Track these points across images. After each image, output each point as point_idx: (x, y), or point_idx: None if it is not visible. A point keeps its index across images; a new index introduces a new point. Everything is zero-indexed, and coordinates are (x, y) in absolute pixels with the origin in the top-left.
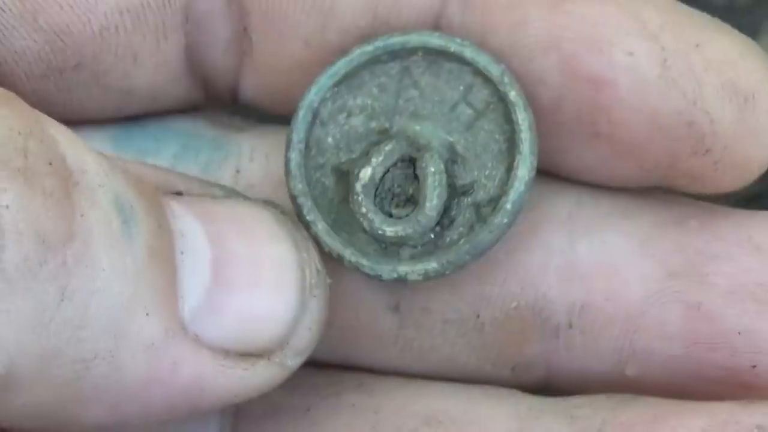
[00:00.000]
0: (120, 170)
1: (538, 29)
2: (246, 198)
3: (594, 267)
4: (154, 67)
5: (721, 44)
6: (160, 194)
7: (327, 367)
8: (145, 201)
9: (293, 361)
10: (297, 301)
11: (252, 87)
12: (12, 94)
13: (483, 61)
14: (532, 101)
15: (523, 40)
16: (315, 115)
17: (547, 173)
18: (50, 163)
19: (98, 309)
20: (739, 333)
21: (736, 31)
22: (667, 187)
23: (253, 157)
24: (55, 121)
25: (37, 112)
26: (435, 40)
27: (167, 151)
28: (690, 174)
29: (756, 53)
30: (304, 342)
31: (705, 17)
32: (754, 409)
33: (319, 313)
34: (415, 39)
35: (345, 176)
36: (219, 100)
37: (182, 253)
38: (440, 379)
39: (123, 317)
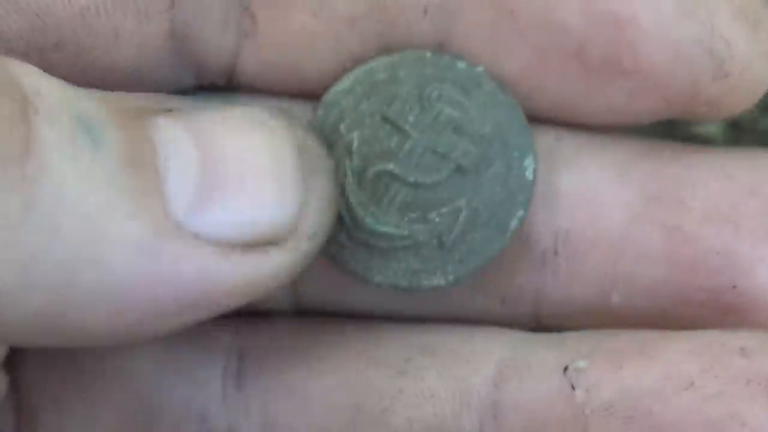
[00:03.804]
0: (89, 94)
1: None
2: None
3: (575, 195)
4: (136, 46)
5: None
6: (143, 113)
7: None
8: (119, 116)
9: (308, 245)
10: (298, 183)
11: (254, 66)
12: None
13: None
14: (555, 49)
15: None
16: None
17: (565, 121)
18: (4, 89)
19: (69, 216)
20: (717, 253)
21: None
22: (683, 119)
23: None
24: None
25: None
26: None
27: None
28: (710, 101)
29: None
30: (314, 223)
31: None
32: (738, 333)
33: (325, 193)
34: None
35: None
36: (212, 82)
37: (166, 159)
38: (434, 314)
39: (99, 222)
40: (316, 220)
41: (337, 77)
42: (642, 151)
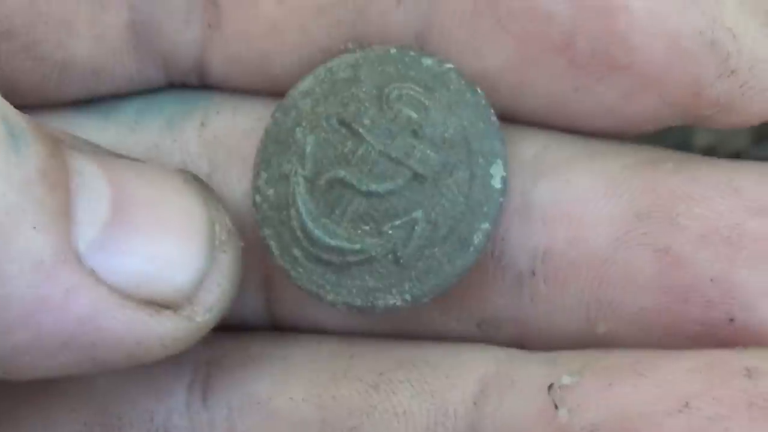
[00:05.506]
0: (10, 105)
1: None
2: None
3: (556, 208)
4: (93, 38)
5: None
6: (60, 140)
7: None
8: (38, 132)
9: (203, 318)
10: (205, 252)
11: (222, 60)
12: None
13: None
14: (540, 40)
15: None
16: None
17: (556, 125)
18: None
19: None
20: (712, 281)
21: None
22: (691, 124)
23: (220, 110)
24: None
25: None
26: None
27: (130, 105)
28: (716, 102)
29: None
30: (213, 297)
31: None
32: (743, 353)
33: (230, 270)
34: None
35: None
36: (183, 80)
37: (78, 187)
38: (408, 335)
39: (5, 224)
40: (215, 295)
41: (305, 74)
42: (639, 160)
